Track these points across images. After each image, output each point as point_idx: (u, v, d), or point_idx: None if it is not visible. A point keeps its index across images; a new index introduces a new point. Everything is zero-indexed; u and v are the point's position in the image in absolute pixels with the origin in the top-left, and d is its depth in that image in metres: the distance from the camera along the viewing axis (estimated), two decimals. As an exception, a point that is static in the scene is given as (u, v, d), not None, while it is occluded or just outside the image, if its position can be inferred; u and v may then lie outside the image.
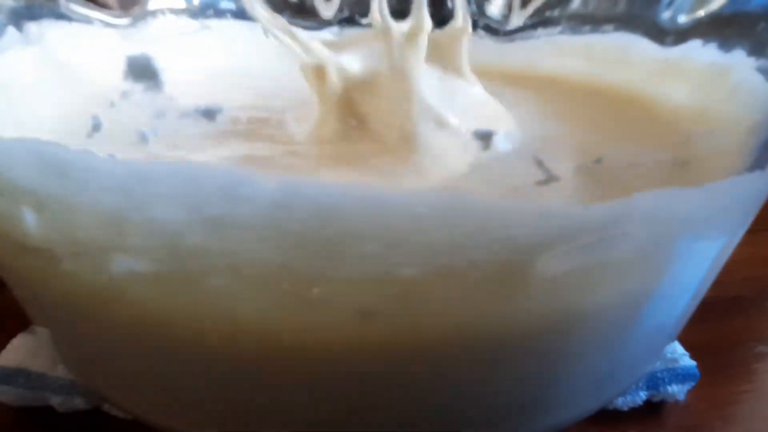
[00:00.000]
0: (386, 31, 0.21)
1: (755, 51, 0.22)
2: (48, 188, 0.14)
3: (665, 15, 0.26)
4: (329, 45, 0.21)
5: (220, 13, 0.31)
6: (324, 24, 0.32)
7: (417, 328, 0.15)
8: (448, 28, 0.23)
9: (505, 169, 0.20)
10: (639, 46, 0.27)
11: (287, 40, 0.21)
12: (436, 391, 0.17)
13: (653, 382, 0.25)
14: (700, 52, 0.25)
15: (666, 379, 0.25)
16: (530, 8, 0.30)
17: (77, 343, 0.20)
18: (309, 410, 0.18)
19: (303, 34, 0.22)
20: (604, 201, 0.17)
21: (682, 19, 0.25)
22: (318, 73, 0.21)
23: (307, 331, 0.15)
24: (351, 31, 0.32)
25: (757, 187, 0.17)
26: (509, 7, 0.31)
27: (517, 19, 0.31)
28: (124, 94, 0.22)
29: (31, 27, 0.24)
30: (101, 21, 0.27)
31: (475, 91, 0.23)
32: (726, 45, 0.23)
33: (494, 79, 0.30)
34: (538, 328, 0.16)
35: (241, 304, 0.15)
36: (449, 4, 0.32)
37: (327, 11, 0.32)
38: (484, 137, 0.21)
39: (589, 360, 0.18)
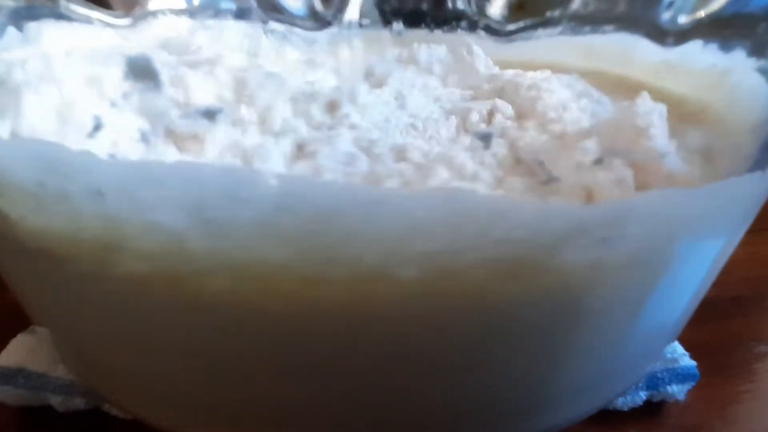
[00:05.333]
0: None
1: (755, 52, 0.22)
2: (48, 188, 0.14)
3: (666, 16, 0.26)
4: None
5: (220, 13, 0.31)
6: (324, 25, 0.32)
7: (415, 329, 0.16)
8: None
9: (505, 169, 0.20)
10: (639, 46, 0.27)
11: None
12: (436, 391, 0.17)
13: (653, 382, 0.25)
14: (700, 53, 0.25)
15: (666, 379, 0.25)
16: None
17: (77, 343, 0.20)
18: (308, 411, 0.18)
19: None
20: (604, 201, 0.17)
21: (683, 19, 0.25)
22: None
23: (307, 330, 0.15)
24: (351, 32, 0.32)
25: (757, 188, 0.17)
26: (509, 8, 0.31)
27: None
28: (124, 94, 0.22)
29: (31, 27, 0.24)
30: (101, 21, 0.27)
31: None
32: (726, 46, 0.24)
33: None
34: (537, 328, 0.16)
35: (242, 303, 0.15)
36: (449, 4, 0.32)
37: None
38: (485, 137, 0.21)
39: (589, 360, 0.18)
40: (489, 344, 0.16)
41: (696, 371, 0.25)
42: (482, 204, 0.14)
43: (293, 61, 0.29)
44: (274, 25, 0.32)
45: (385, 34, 0.32)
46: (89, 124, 0.19)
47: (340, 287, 0.14)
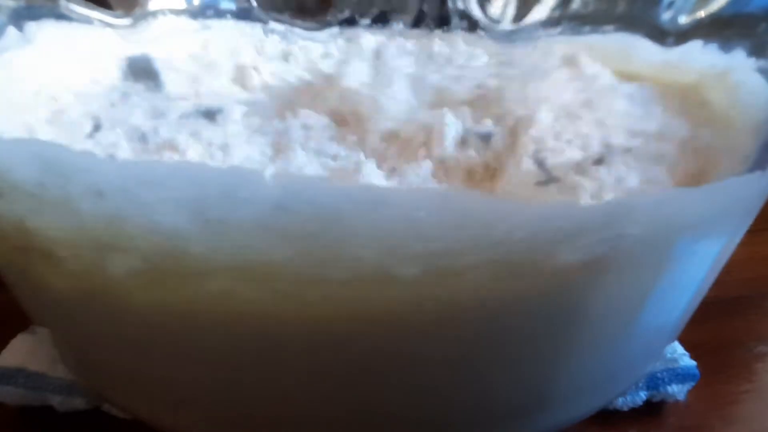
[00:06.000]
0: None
1: (755, 52, 0.22)
2: (48, 189, 0.14)
3: (666, 16, 0.26)
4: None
5: (220, 13, 0.31)
6: (324, 24, 0.32)
7: (415, 329, 0.16)
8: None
9: (505, 169, 0.20)
10: (640, 46, 0.27)
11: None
12: (437, 391, 0.17)
13: (653, 382, 0.25)
14: (700, 53, 0.25)
15: (666, 379, 0.25)
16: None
17: (77, 343, 0.20)
18: (307, 410, 0.18)
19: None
20: (604, 201, 0.17)
21: (683, 19, 0.25)
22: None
23: (306, 331, 0.15)
24: (351, 32, 0.32)
25: (757, 188, 0.17)
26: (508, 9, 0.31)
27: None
28: (124, 95, 0.22)
29: (32, 27, 0.24)
30: (101, 21, 0.27)
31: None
32: (726, 46, 0.23)
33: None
34: (538, 328, 0.16)
35: (242, 303, 0.15)
36: (449, 4, 0.32)
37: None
38: (485, 137, 0.21)
39: (589, 360, 0.18)
40: (489, 344, 0.16)
41: (696, 371, 0.25)
42: (482, 204, 0.14)
43: (294, 61, 0.29)
44: (274, 25, 0.32)
45: (385, 33, 0.32)
46: (89, 125, 0.19)
47: (340, 287, 0.14)
